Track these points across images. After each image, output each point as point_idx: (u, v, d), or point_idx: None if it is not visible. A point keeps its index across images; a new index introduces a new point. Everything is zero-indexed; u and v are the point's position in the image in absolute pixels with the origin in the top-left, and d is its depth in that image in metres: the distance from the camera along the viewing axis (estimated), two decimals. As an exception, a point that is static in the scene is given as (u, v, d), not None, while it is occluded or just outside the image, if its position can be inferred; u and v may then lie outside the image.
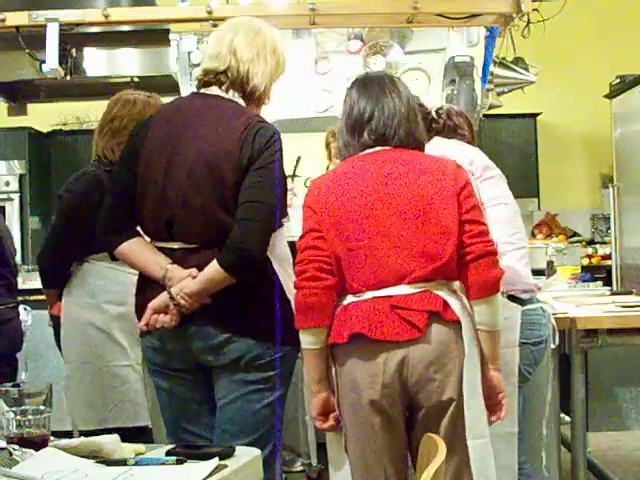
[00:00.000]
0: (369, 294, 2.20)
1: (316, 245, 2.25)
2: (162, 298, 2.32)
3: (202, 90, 2.45)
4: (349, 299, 2.24)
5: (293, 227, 3.91)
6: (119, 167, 2.50)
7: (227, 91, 2.41)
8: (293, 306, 2.32)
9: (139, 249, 2.39)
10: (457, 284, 2.25)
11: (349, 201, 2.25)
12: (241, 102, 2.42)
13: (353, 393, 2.21)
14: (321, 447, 4.16)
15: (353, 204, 2.24)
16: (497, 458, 2.52)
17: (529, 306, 2.62)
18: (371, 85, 2.36)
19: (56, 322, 3.28)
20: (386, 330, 2.15)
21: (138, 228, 2.45)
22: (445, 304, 2.17)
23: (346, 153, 2.37)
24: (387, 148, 2.30)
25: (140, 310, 2.40)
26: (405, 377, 2.16)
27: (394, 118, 2.30)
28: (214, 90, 2.42)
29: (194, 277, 2.30)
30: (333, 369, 2.27)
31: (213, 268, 2.29)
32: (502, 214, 2.63)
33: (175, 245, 2.37)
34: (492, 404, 2.28)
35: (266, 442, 2.34)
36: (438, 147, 2.71)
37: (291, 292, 2.38)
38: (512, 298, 2.59)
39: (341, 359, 2.23)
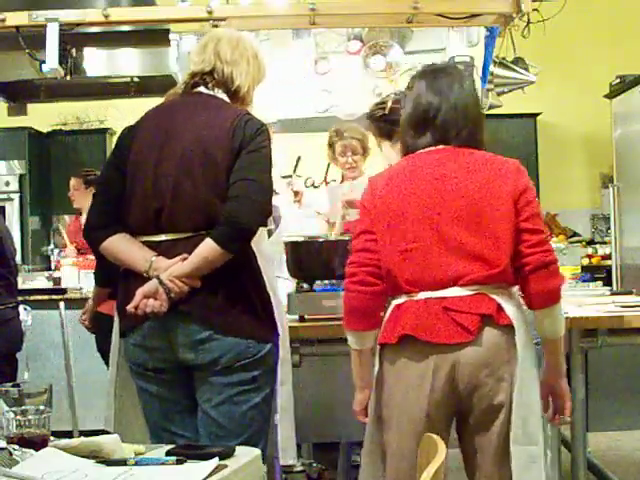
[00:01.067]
0: (422, 295, 2.18)
1: (369, 248, 2.23)
2: (152, 283, 2.32)
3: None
4: (402, 298, 2.21)
5: (291, 226, 3.92)
6: (106, 166, 2.56)
7: (213, 89, 2.49)
8: (274, 303, 2.40)
9: (124, 243, 2.40)
10: (513, 289, 2.22)
11: (405, 201, 2.21)
12: (227, 99, 2.49)
13: (400, 394, 2.19)
14: (318, 447, 4.16)
15: (409, 205, 2.20)
16: None
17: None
18: (438, 80, 2.28)
19: (103, 320, 3.22)
20: (437, 332, 2.13)
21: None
22: (499, 308, 2.14)
23: (407, 149, 2.31)
24: (447, 147, 2.25)
25: (123, 308, 2.40)
26: (456, 381, 2.14)
27: (460, 116, 2.25)
28: (201, 89, 2.50)
29: (184, 260, 2.31)
30: (379, 367, 2.25)
31: (207, 246, 2.30)
32: None
33: (162, 237, 2.38)
34: (560, 408, 2.30)
35: (255, 443, 2.32)
36: None
37: (273, 289, 2.42)
38: None
39: (390, 359, 2.21)
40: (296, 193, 4.28)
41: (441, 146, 2.25)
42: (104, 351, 3.15)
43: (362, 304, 2.22)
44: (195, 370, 2.39)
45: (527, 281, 2.19)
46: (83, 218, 6.24)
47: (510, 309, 2.15)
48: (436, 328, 2.13)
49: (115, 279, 2.72)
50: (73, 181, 6.21)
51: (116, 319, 2.54)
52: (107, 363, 2.90)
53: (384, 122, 2.90)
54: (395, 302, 2.22)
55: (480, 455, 2.20)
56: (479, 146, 2.29)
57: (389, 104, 2.88)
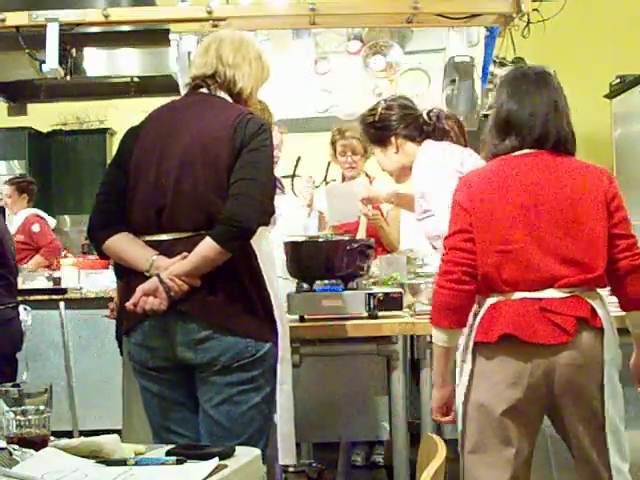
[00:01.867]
0: (518, 295, 2.21)
1: (466, 248, 2.25)
2: (152, 281, 2.33)
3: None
4: (496, 298, 2.24)
5: (293, 227, 3.91)
6: (110, 166, 2.55)
7: (215, 91, 2.49)
8: (274, 302, 2.40)
9: (126, 243, 2.41)
10: (603, 292, 2.30)
11: (502, 203, 2.25)
12: (230, 100, 2.50)
13: (492, 392, 2.23)
14: (318, 447, 4.16)
15: (506, 206, 2.24)
16: None
17: None
18: (523, 83, 2.32)
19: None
20: (537, 333, 2.17)
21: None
22: (593, 311, 2.21)
23: (495, 151, 2.34)
24: (537, 151, 2.29)
25: (124, 307, 2.40)
26: (552, 380, 2.19)
27: (546, 121, 2.28)
28: (203, 91, 2.50)
29: (184, 258, 2.32)
30: (468, 366, 2.28)
31: (206, 245, 2.30)
32: None
33: (164, 236, 2.38)
34: None
35: (255, 443, 2.32)
36: (429, 150, 2.72)
37: (273, 288, 2.42)
38: None
39: (485, 357, 2.24)
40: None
41: (530, 150, 2.29)
42: (121, 340, 3.18)
43: (457, 302, 2.24)
44: (195, 369, 2.40)
45: (619, 285, 2.28)
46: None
47: (601, 312, 2.23)
48: (535, 328, 2.17)
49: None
50: (7, 189, 6.28)
51: None
52: (122, 352, 2.93)
53: (374, 128, 2.90)
54: (489, 301, 2.25)
55: (575, 439, 2.27)
56: (569, 150, 2.35)
57: (379, 110, 2.88)
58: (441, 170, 2.62)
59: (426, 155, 2.70)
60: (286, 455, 2.52)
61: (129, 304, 2.35)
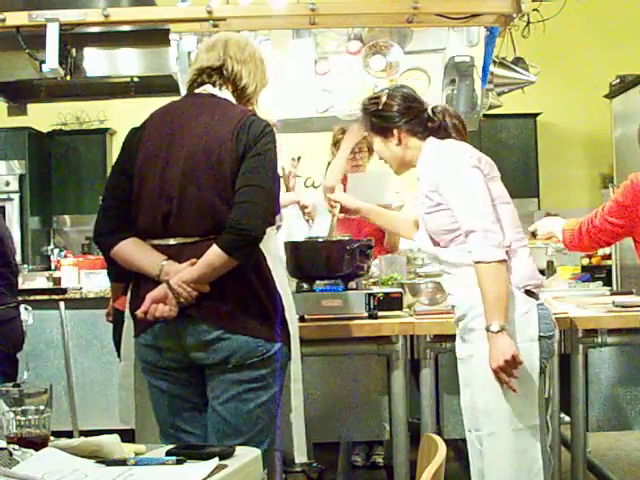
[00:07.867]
0: None
1: None
2: (161, 288, 2.33)
3: (195, 91, 2.52)
4: None
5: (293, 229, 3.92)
6: (114, 171, 2.53)
7: (220, 88, 2.48)
8: (285, 302, 2.40)
9: (134, 248, 2.41)
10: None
11: None
12: (233, 100, 2.49)
13: None
14: (318, 447, 4.16)
15: None
16: (525, 452, 2.52)
17: (541, 300, 2.64)
18: None
19: (118, 317, 3.23)
20: None
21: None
22: None
23: None
24: None
25: (134, 312, 2.40)
26: None
27: None
28: (207, 89, 2.49)
29: (193, 265, 2.32)
30: None
31: (213, 252, 2.31)
32: (507, 213, 2.65)
33: (171, 241, 2.38)
34: None
35: (261, 441, 2.35)
36: (437, 145, 2.71)
37: (284, 288, 2.43)
38: (528, 293, 2.60)
39: None
40: (304, 207, 4.21)
41: None
42: (119, 343, 3.17)
43: None
44: (206, 368, 2.41)
45: None
46: None
47: None
48: None
49: (127, 273, 2.74)
50: None
51: (127, 316, 2.55)
52: (120, 355, 2.92)
53: (377, 117, 2.84)
54: None
55: None
56: None
57: (383, 99, 2.81)
58: (459, 166, 2.61)
59: (440, 150, 2.68)
60: (301, 453, 2.54)
61: (139, 312, 2.35)
